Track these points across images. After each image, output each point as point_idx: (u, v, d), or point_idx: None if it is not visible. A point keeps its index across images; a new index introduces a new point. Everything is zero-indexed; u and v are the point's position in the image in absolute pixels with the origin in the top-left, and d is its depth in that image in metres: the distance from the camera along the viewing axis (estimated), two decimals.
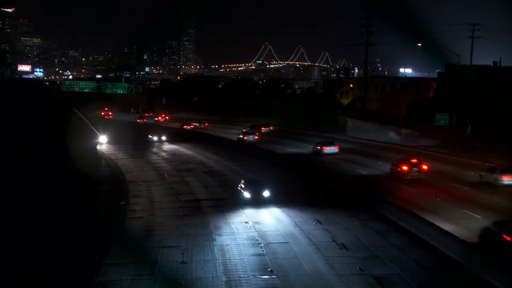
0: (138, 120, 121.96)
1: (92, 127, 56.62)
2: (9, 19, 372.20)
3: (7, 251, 22.84)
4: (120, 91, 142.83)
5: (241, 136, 76.40)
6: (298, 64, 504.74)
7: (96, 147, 60.45)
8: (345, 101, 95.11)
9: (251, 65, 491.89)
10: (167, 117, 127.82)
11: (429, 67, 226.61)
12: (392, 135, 73.93)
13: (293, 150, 67.06)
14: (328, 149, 60.83)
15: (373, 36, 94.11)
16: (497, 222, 25.72)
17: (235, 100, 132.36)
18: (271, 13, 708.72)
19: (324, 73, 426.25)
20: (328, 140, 65.69)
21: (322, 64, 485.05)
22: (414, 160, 45.17)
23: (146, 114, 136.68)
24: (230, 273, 24.32)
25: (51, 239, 25.21)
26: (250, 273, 24.16)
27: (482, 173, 42.25)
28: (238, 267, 24.86)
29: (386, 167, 48.41)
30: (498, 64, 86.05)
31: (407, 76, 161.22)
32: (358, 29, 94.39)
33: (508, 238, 23.77)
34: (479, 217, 31.68)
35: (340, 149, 62.28)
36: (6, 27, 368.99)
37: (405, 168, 43.86)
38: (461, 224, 30.25)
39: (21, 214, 25.56)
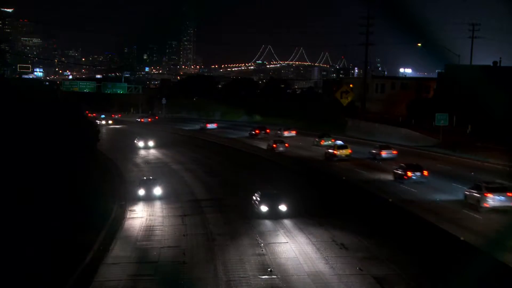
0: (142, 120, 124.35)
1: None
2: (9, 19, 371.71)
3: (7, 251, 22.82)
4: (120, 91, 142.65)
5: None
6: (297, 64, 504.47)
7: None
8: (345, 101, 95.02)
9: (251, 65, 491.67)
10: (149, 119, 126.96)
11: (429, 67, 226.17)
12: (392, 135, 73.87)
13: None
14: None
15: (373, 36, 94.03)
16: None
17: (235, 100, 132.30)
18: (271, 13, 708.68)
19: (324, 73, 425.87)
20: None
21: (322, 64, 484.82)
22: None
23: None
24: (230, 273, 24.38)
25: (51, 239, 25.20)
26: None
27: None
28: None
29: None
30: (498, 64, 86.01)
31: (407, 76, 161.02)
32: (358, 29, 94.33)
33: None
34: None
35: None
36: (6, 27, 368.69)
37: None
38: None
39: (21, 213, 25.55)
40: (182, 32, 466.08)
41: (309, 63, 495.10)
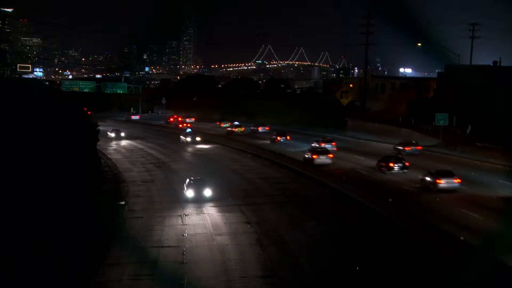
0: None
1: None
2: (9, 19, 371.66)
3: (8, 250, 22.82)
4: (120, 91, 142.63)
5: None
6: (297, 64, 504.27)
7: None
8: (345, 101, 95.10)
9: (251, 65, 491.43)
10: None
11: (429, 67, 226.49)
12: (392, 135, 73.89)
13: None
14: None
15: (373, 36, 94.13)
16: None
17: (235, 100, 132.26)
18: (271, 13, 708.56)
19: (324, 73, 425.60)
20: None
21: (322, 64, 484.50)
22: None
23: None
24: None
25: (51, 238, 25.19)
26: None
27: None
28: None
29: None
30: (498, 64, 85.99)
31: (407, 76, 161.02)
32: (358, 29, 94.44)
33: None
34: None
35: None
36: (6, 27, 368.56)
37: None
38: None
39: (22, 213, 25.54)
40: (182, 32, 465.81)
41: (309, 63, 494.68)
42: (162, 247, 28.74)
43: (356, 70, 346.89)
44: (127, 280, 23.92)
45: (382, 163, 49.27)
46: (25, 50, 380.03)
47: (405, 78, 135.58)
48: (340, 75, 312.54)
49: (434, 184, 40.02)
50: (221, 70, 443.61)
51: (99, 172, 48.76)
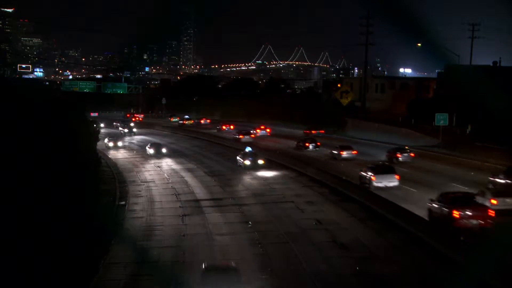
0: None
1: None
2: (9, 19, 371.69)
3: (8, 250, 22.83)
4: (120, 91, 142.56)
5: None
6: (297, 64, 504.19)
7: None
8: (345, 101, 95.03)
9: (251, 65, 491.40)
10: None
11: (429, 67, 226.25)
12: (391, 135, 73.91)
13: None
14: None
15: (373, 36, 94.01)
16: None
17: (235, 100, 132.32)
18: (271, 13, 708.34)
19: (324, 73, 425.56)
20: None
21: (322, 64, 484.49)
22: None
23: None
24: None
25: (51, 238, 25.20)
26: None
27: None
28: None
29: None
30: (498, 64, 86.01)
31: (407, 76, 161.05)
32: (358, 29, 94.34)
33: None
34: None
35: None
36: (6, 27, 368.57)
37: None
38: None
39: (22, 213, 25.55)
40: (182, 32, 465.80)
41: (309, 63, 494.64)
42: (162, 247, 28.74)
43: (356, 70, 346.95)
44: (127, 280, 23.92)
45: (300, 144, 67.18)
46: (25, 50, 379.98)
47: (405, 78, 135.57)
48: (340, 75, 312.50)
49: (339, 155, 56.74)
50: (221, 70, 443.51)
51: (99, 173, 48.83)
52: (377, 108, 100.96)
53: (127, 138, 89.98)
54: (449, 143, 63.30)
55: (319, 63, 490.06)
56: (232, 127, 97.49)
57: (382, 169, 41.51)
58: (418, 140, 69.13)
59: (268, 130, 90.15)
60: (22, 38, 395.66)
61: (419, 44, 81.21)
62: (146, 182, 49.04)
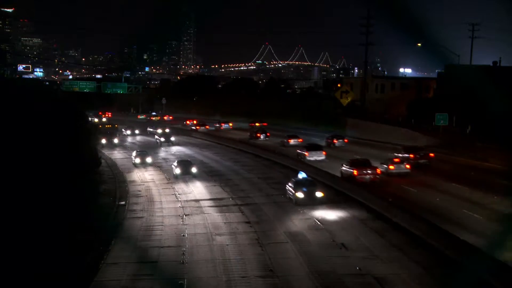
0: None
1: None
2: (9, 19, 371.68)
3: (8, 250, 22.83)
4: (120, 91, 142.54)
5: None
6: (297, 64, 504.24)
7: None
8: (345, 101, 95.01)
9: (251, 65, 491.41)
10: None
11: (429, 67, 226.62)
12: (391, 135, 73.87)
13: None
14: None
15: (373, 36, 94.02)
16: None
17: (235, 100, 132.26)
18: (271, 13, 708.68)
19: (324, 73, 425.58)
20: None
21: (322, 64, 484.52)
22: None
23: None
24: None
25: (52, 238, 25.21)
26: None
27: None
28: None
29: None
30: (498, 64, 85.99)
31: (407, 76, 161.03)
32: (358, 29, 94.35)
33: None
34: None
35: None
36: (6, 27, 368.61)
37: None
38: None
39: (22, 213, 25.56)
40: (182, 32, 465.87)
41: (309, 63, 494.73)
42: (162, 247, 28.75)
43: (356, 70, 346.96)
44: (127, 280, 23.92)
45: (253, 135, 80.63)
46: (25, 50, 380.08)
47: (405, 78, 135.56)
48: (340, 75, 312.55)
49: (287, 142, 69.92)
50: (221, 70, 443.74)
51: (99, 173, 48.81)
52: (377, 108, 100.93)
53: (162, 151, 72.19)
54: (449, 143, 63.20)
55: (319, 63, 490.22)
56: (195, 122, 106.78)
57: (313, 147, 56.93)
58: (418, 140, 69.06)
59: (230, 124, 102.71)
60: (22, 38, 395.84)
61: (419, 44, 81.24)
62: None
